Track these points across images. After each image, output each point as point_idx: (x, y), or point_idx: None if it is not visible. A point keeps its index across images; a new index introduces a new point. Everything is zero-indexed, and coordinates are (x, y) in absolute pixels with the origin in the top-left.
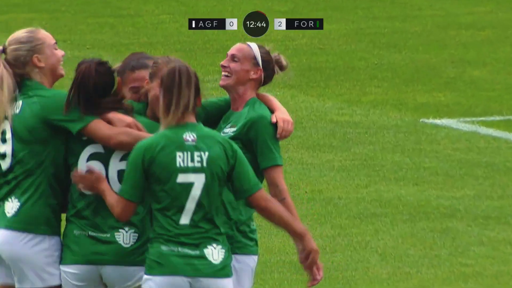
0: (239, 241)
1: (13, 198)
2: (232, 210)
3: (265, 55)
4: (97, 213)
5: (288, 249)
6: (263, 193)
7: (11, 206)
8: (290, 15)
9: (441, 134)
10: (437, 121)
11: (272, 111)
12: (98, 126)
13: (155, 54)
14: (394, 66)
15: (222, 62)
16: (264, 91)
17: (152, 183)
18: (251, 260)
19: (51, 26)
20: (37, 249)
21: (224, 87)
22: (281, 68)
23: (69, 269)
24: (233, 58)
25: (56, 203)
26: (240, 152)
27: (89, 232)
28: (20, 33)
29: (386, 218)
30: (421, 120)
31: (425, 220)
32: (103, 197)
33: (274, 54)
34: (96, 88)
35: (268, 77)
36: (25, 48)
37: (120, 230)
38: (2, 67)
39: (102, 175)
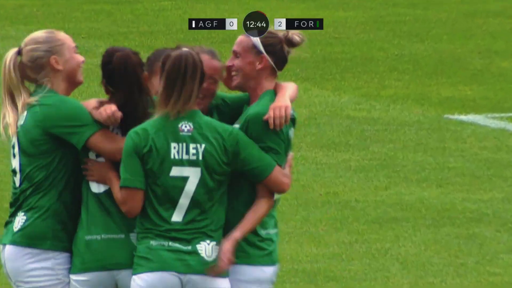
0: (243, 251)
1: (21, 213)
2: (232, 214)
3: (266, 39)
4: (110, 213)
5: (301, 257)
6: (278, 174)
7: (18, 221)
8: (303, 1)
9: (467, 131)
10: (463, 117)
11: None
12: (101, 139)
13: (156, 44)
14: (416, 57)
15: (227, 62)
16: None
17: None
18: (259, 272)
19: (43, 13)
20: (39, 267)
21: (236, 87)
22: (292, 44)
23: (79, 277)
24: (235, 54)
25: (67, 217)
26: (242, 137)
27: (102, 235)
28: (38, 33)
29: (408, 223)
30: (445, 116)
31: (449, 225)
32: (111, 188)
33: (283, 33)
34: (138, 79)
35: (279, 60)
36: (43, 48)
37: (134, 230)
38: (11, 63)
39: (110, 163)
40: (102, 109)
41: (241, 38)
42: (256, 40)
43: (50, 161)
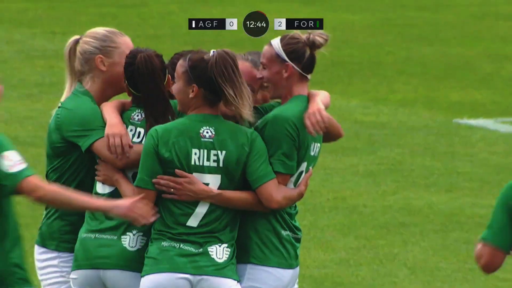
0: (261, 250)
1: (43, 212)
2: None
3: (289, 45)
4: (109, 215)
5: (309, 263)
6: (271, 188)
7: (41, 220)
8: (310, 4)
9: (476, 136)
10: (472, 122)
11: None
12: (104, 145)
13: (162, 48)
14: (424, 61)
15: (257, 74)
16: None
17: None
18: (272, 278)
19: (48, 16)
20: (47, 265)
21: (272, 98)
22: (315, 46)
23: (72, 275)
24: (263, 66)
25: (77, 219)
26: (258, 141)
27: (96, 235)
28: (100, 29)
29: (416, 228)
30: (454, 120)
31: (458, 231)
32: (119, 188)
33: (306, 35)
34: (161, 81)
35: (305, 65)
36: (95, 44)
37: (127, 233)
38: (68, 48)
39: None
40: (111, 136)
41: (265, 48)
42: (279, 49)
43: (63, 163)
